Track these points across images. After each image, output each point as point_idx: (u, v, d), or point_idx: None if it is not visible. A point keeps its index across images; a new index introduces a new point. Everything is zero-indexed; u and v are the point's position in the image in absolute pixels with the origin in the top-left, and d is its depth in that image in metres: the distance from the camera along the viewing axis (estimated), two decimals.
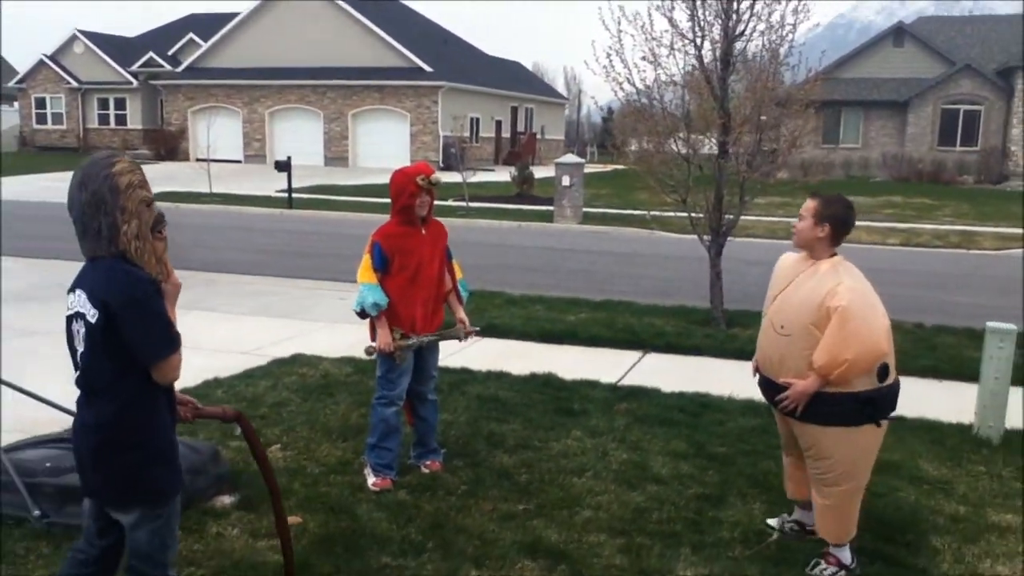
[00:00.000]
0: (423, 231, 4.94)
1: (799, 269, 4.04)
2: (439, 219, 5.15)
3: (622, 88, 10.15)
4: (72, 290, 2.84)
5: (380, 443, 4.97)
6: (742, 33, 9.64)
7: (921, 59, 39.95)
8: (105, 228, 2.74)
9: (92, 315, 2.74)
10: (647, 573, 4.06)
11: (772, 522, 4.58)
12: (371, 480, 4.93)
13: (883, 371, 3.86)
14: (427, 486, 4.93)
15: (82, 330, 2.78)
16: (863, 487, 4.10)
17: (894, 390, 3.96)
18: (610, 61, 9.93)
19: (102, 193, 2.73)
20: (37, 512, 4.17)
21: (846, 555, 4.10)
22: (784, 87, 10.30)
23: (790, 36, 9.50)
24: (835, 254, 4.01)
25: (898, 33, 41.08)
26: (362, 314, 4.90)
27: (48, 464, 4.50)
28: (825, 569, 4.09)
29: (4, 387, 4.84)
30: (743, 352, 8.29)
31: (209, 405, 3.37)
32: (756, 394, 6.73)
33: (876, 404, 3.87)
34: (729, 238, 9.74)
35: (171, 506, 2.94)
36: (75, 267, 9.74)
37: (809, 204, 4.00)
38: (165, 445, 2.88)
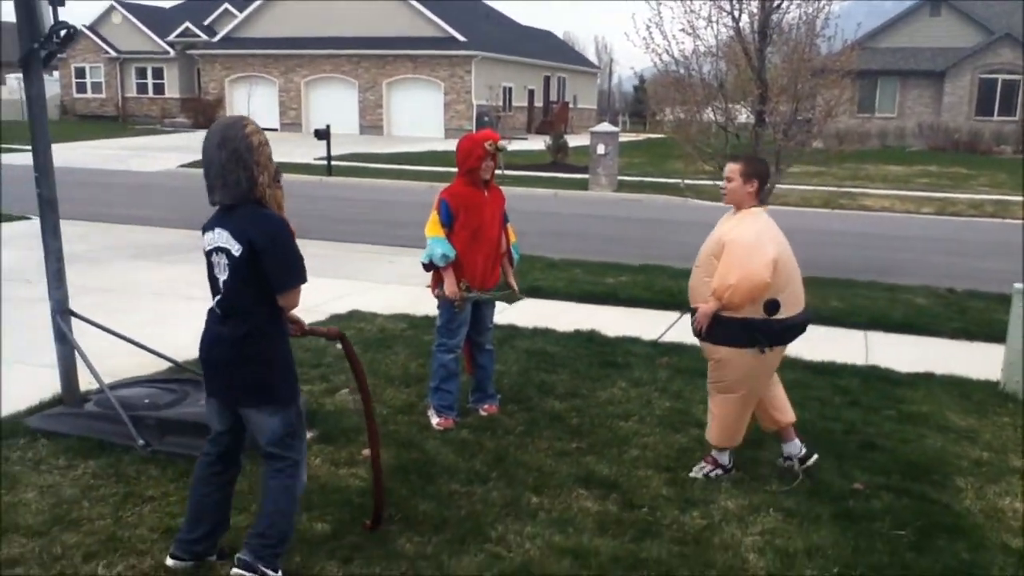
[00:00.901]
0: (485, 193, 5.35)
1: (723, 219, 4.68)
2: (498, 186, 5.55)
3: (661, 59, 10.42)
4: (210, 229, 3.36)
5: (441, 385, 5.42)
6: (779, 6, 9.85)
7: (958, 28, 39.48)
8: (244, 180, 3.24)
9: (237, 250, 3.25)
10: (692, 502, 4.46)
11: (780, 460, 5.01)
12: (435, 420, 5.37)
13: (771, 306, 4.43)
14: (487, 427, 5.36)
15: (223, 261, 3.30)
16: (748, 405, 4.70)
17: (781, 327, 4.50)
18: (650, 33, 10.20)
19: (240, 151, 3.22)
20: (141, 442, 4.64)
21: (724, 458, 4.82)
22: (820, 58, 10.49)
23: (826, 8, 9.70)
24: (757, 206, 4.61)
25: (935, 2, 40.56)
26: (428, 266, 5.32)
27: (147, 400, 4.99)
28: (703, 468, 4.80)
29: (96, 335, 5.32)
30: None
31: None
32: (792, 351, 7.08)
33: (759, 332, 4.46)
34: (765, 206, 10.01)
35: (296, 405, 3.51)
36: (124, 229, 10.35)
37: (734, 167, 4.59)
38: (288, 358, 3.49)
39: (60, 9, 5.04)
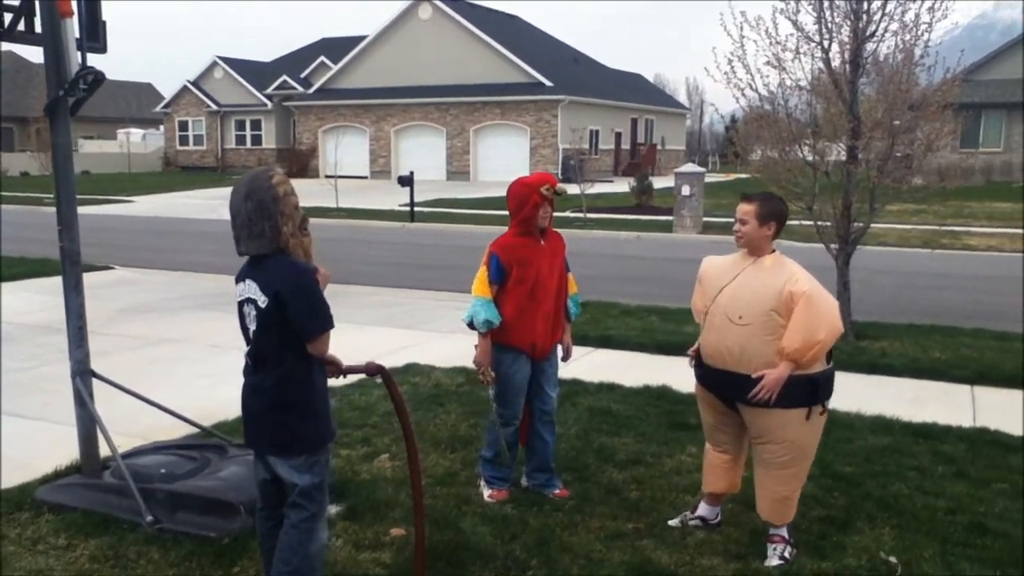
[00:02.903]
0: (542, 242, 4.75)
1: (739, 266, 4.13)
2: (557, 230, 4.97)
3: (744, 95, 9.82)
4: (241, 280, 3.35)
5: (497, 459, 4.87)
6: (873, 34, 9.16)
7: None
8: (268, 230, 3.23)
9: (263, 301, 3.25)
10: None
11: (673, 522, 4.54)
12: (487, 492, 4.83)
13: (829, 354, 4.06)
14: (533, 501, 4.79)
15: (253, 312, 3.30)
16: (808, 469, 4.26)
17: (834, 372, 4.15)
18: (732, 67, 9.61)
19: (266, 202, 3.23)
20: (150, 518, 4.26)
21: (784, 530, 4.25)
22: (919, 89, 9.74)
23: (925, 36, 8.95)
24: (774, 249, 4.11)
25: None
26: (471, 324, 4.73)
27: (163, 470, 4.62)
28: (777, 548, 4.18)
29: (125, 395, 5.01)
30: (874, 366, 7.85)
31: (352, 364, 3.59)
32: (888, 410, 6.43)
33: (827, 384, 4.07)
34: (858, 247, 9.25)
35: (325, 452, 3.44)
36: (199, 278, 10.12)
37: (747, 207, 4.06)
38: (319, 403, 3.39)
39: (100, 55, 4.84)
